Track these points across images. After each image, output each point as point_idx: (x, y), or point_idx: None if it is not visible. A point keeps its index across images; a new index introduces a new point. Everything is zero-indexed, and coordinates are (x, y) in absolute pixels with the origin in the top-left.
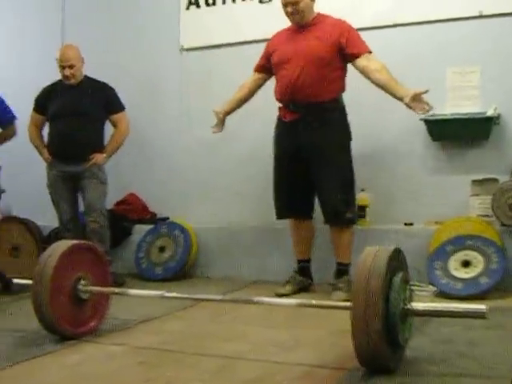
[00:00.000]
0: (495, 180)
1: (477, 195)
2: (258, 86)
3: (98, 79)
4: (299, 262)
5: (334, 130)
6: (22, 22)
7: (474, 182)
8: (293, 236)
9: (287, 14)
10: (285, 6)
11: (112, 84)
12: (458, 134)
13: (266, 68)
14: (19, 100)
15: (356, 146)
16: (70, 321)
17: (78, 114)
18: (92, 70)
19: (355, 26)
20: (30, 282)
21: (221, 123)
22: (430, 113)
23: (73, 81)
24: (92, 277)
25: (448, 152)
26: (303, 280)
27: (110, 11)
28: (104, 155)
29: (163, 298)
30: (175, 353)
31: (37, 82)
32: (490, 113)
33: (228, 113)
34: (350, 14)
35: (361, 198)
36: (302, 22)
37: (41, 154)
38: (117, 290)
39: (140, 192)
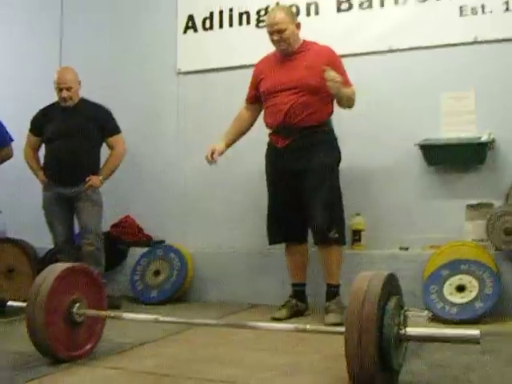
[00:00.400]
0: (490, 205)
1: (472, 220)
2: (254, 118)
3: (95, 102)
4: (294, 285)
5: (324, 152)
6: (20, 44)
7: (469, 206)
8: (287, 260)
9: (273, 42)
10: (271, 34)
11: (109, 107)
12: (453, 159)
13: (259, 97)
14: (16, 121)
15: (352, 170)
16: (64, 344)
17: (74, 136)
18: (89, 92)
19: (351, 51)
20: (24, 304)
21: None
22: (425, 138)
23: (70, 103)
24: (87, 300)
25: (443, 177)
26: (298, 304)
27: (107, 34)
28: (100, 178)
29: (158, 322)
30: (171, 377)
31: (33, 104)
32: (484, 138)
33: (224, 151)
34: (345, 38)
35: (356, 222)
36: (289, 50)
37: (36, 175)
38: (112, 313)
39: (136, 215)
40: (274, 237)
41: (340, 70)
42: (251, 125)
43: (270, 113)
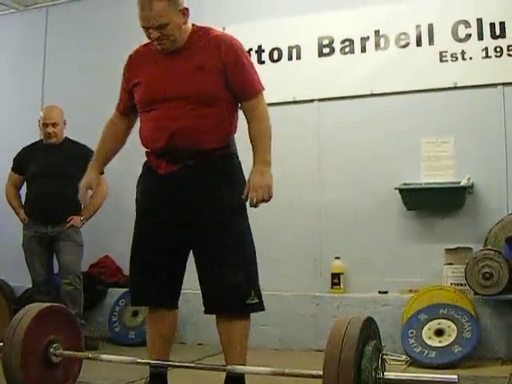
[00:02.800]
0: (469, 249)
1: (450, 264)
2: (129, 132)
3: (78, 142)
4: (153, 366)
5: (227, 186)
6: (2, 84)
7: (448, 250)
8: (148, 330)
9: (151, 39)
10: (146, 30)
11: (92, 147)
12: (432, 203)
13: (134, 107)
14: None
15: (332, 213)
16: None
17: (57, 175)
18: (71, 132)
19: (332, 95)
20: (0, 344)
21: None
22: (405, 182)
23: (54, 139)
24: (64, 340)
25: (422, 221)
26: None
27: (90, 74)
28: (81, 218)
29: (136, 363)
30: None
31: (15, 142)
32: (463, 182)
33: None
34: (327, 82)
35: (335, 265)
36: (173, 47)
37: (17, 213)
38: (89, 354)
39: (115, 255)
40: (142, 296)
41: (244, 73)
42: (125, 139)
43: (148, 130)
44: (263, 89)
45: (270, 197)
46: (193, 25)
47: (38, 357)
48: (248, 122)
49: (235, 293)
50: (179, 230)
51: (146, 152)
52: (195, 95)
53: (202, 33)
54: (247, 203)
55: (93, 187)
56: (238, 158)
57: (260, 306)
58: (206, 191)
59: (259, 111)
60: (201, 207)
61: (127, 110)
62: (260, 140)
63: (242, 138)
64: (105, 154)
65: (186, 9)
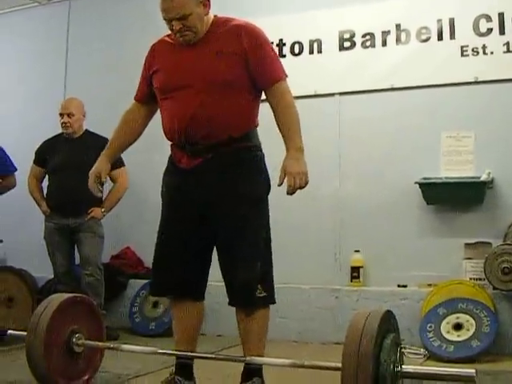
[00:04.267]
0: (488, 244)
1: (470, 259)
2: (147, 122)
3: (100, 134)
4: (179, 357)
5: (248, 179)
6: (26, 78)
7: (468, 245)
8: (174, 321)
9: (173, 31)
10: (168, 21)
11: None
12: (452, 198)
13: (153, 95)
14: (20, 152)
15: (352, 207)
16: (63, 374)
17: (78, 168)
18: (93, 124)
19: (352, 89)
20: (24, 333)
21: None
22: (425, 176)
23: (70, 130)
24: (86, 330)
25: (442, 215)
26: (184, 383)
27: (112, 67)
28: (102, 209)
29: (156, 354)
30: None
31: (38, 135)
32: (483, 177)
33: (109, 169)
34: (348, 76)
35: (355, 258)
36: (196, 38)
37: (39, 206)
38: (111, 344)
39: (136, 246)
40: (161, 286)
41: (266, 59)
42: (143, 129)
43: (167, 121)
44: (286, 76)
45: (307, 183)
46: (215, 16)
47: (61, 347)
48: (274, 110)
49: (244, 286)
50: (202, 224)
51: (171, 145)
52: (212, 81)
53: (222, 22)
54: (285, 191)
55: (102, 176)
56: (261, 151)
57: (269, 300)
58: (226, 185)
59: (285, 97)
60: (220, 201)
61: (145, 98)
62: (289, 126)
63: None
64: (119, 142)
65: (207, 0)
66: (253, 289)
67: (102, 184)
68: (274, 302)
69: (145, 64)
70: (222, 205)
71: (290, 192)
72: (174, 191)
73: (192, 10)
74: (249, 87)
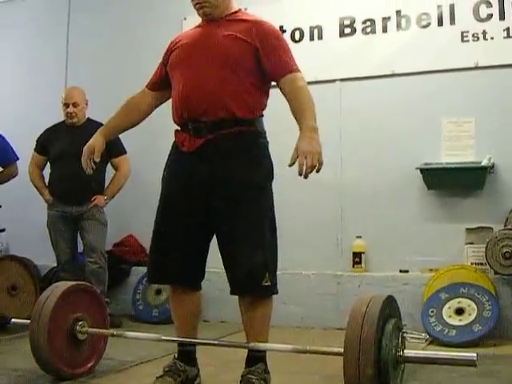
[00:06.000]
0: (489, 229)
1: (471, 243)
2: (151, 108)
3: (101, 122)
4: (180, 344)
5: (251, 164)
6: (28, 67)
7: (469, 230)
8: (172, 309)
9: (194, 5)
10: None
11: None
12: (452, 183)
13: (164, 82)
14: (21, 140)
15: (353, 192)
16: (67, 361)
17: (79, 156)
18: (94, 112)
19: (353, 75)
20: (27, 321)
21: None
22: (426, 162)
23: (75, 120)
24: (90, 318)
25: (443, 200)
26: (187, 369)
27: (113, 56)
28: (105, 197)
29: (160, 340)
30: None
31: (39, 123)
32: (484, 162)
33: (103, 147)
34: (348, 62)
35: (357, 244)
36: (214, 14)
37: (41, 194)
38: (114, 331)
39: (139, 234)
40: (158, 274)
41: (278, 50)
42: (145, 115)
43: (174, 97)
44: (299, 71)
45: (321, 164)
46: (240, 9)
47: (65, 334)
48: (287, 96)
49: (249, 274)
50: (201, 210)
51: (175, 131)
52: (220, 57)
53: (244, 15)
54: (297, 171)
55: (96, 151)
56: (265, 138)
57: (273, 289)
58: (227, 171)
59: (296, 82)
60: (221, 188)
61: (156, 85)
62: (302, 107)
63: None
64: (114, 122)
65: None
66: (259, 276)
67: (94, 162)
68: (276, 292)
69: (166, 53)
70: (223, 191)
71: (302, 173)
72: (173, 176)
73: None
74: (256, 75)
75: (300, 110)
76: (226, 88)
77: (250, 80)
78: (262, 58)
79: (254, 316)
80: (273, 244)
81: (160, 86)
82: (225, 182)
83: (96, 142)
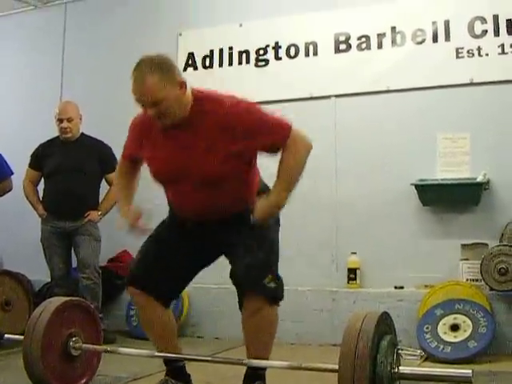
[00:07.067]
0: (485, 245)
1: (466, 260)
2: (139, 174)
3: (95, 137)
4: (168, 362)
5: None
6: (23, 82)
7: (464, 246)
8: (146, 324)
9: (151, 116)
10: (142, 105)
11: (108, 142)
12: (448, 199)
13: (141, 159)
14: (16, 155)
15: (348, 208)
16: (60, 377)
17: (74, 171)
18: (88, 127)
19: (348, 91)
20: (21, 337)
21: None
22: (421, 178)
23: (70, 135)
24: (83, 334)
25: (438, 216)
26: None
27: (107, 70)
28: (99, 213)
29: (154, 357)
30: None
31: (34, 138)
32: (479, 178)
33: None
34: (343, 79)
35: (351, 260)
36: (174, 122)
37: (35, 209)
38: (108, 347)
39: (133, 250)
40: (138, 278)
41: (263, 129)
42: (139, 175)
43: (174, 201)
44: (289, 126)
45: (266, 220)
46: (192, 91)
47: (58, 350)
48: (280, 158)
49: (251, 269)
50: (199, 246)
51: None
52: (207, 177)
53: (206, 103)
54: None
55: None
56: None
57: (278, 294)
58: (233, 230)
59: (295, 147)
60: (227, 239)
61: (135, 159)
62: (281, 178)
63: None
64: (128, 191)
65: (184, 82)
66: (260, 274)
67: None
68: (281, 299)
69: (133, 132)
70: (227, 240)
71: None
72: (177, 226)
73: (166, 94)
74: (247, 163)
75: (279, 175)
76: (226, 201)
77: (246, 171)
78: (256, 146)
79: (258, 324)
80: (275, 249)
81: (138, 160)
82: (230, 236)
83: (132, 208)
